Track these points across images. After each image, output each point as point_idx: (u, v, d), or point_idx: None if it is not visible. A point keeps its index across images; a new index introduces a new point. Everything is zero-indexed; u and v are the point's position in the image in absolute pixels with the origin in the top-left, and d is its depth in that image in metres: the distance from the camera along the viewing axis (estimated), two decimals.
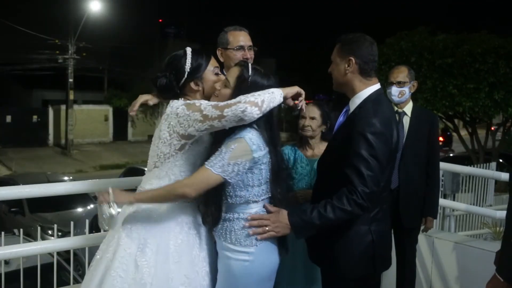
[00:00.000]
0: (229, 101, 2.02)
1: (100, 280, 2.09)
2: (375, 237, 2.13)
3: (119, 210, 2.08)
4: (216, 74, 2.23)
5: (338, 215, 2.00)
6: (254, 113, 1.98)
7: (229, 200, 2.12)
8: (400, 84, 3.29)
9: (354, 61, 2.14)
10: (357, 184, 1.98)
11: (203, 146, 2.18)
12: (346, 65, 2.15)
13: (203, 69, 2.19)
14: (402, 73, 3.33)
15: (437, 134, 3.43)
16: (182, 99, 2.18)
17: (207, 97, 2.20)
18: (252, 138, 2.03)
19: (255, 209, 2.12)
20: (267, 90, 2.05)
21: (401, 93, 3.30)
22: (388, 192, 2.26)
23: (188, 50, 2.20)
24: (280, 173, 2.16)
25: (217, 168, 1.99)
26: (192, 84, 2.19)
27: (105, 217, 2.06)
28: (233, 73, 2.12)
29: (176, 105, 2.12)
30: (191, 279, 2.11)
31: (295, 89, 2.17)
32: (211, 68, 2.21)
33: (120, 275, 2.05)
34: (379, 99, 2.18)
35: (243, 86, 2.07)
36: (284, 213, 2.09)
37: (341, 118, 2.31)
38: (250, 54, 2.66)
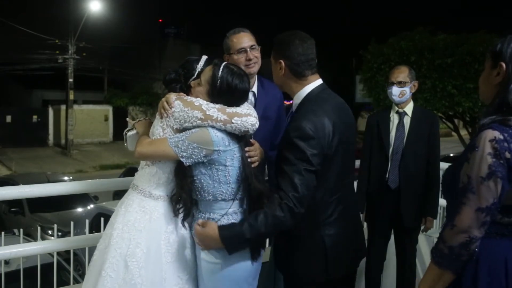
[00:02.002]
0: (238, 110, 2.06)
1: (95, 281, 2.10)
2: (327, 241, 2.04)
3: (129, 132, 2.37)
4: None
5: (271, 222, 1.91)
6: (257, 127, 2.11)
7: (198, 196, 2.10)
8: (400, 84, 3.29)
9: (283, 63, 2.06)
10: (287, 189, 1.90)
11: None
12: (278, 68, 2.08)
13: None
14: (402, 73, 3.32)
15: (438, 134, 3.42)
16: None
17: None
18: (216, 132, 2.03)
19: (226, 209, 2.08)
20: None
21: (402, 93, 3.29)
22: (341, 194, 2.11)
23: (204, 57, 2.26)
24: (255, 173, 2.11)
25: (172, 141, 2.03)
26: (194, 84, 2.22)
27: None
28: (205, 72, 2.14)
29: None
30: (184, 280, 2.12)
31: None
32: None
33: (110, 275, 2.05)
34: (319, 97, 2.07)
35: (214, 84, 2.08)
36: (213, 226, 1.99)
37: (288, 120, 2.20)
38: (254, 54, 2.59)
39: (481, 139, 1.57)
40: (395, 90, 3.29)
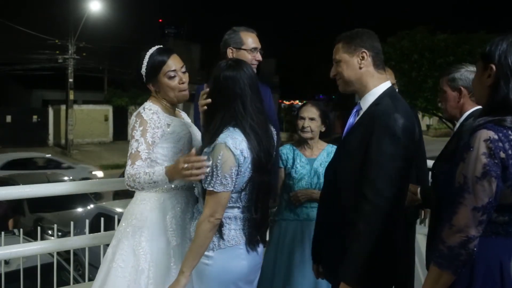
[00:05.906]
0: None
1: (106, 272, 2.18)
2: (399, 244, 1.95)
3: None
4: (170, 77, 2.20)
5: (366, 237, 1.82)
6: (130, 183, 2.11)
7: (200, 199, 2.07)
8: None
9: (367, 53, 1.97)
10: (373, 194, 1.82)
11: (175, 138, 2.20)
12: (360, 59, 1.97)
13: (156, 73, 2.20)
14: (393, 79, 3.22)
15: (420, 128, 3.41)
16: (150, 100, 2.26)
17: (168, 99, 2.24)
18: (235, 144, 1.94)
19: (227, 213, 2.02)
20: (156, 175, 2.05)
21: None
22: (404, 201, 2.05)
23: (148, 53, 2.22)
24: (261, 184, 2.04)
25: (218, 186, 1.93)
26: (151, 87, 2.25)
27: None
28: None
29: (135, 113, 2.20)
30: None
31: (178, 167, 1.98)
32: (166, 70, 2.20)
33: (120, 265, 2.14)
34: (396, 95, 2.01)
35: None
36: None
37: (351, 120, 2.09)
38: (259, 57, 2.70)
39: (476, 139, 1.59)
40: None
